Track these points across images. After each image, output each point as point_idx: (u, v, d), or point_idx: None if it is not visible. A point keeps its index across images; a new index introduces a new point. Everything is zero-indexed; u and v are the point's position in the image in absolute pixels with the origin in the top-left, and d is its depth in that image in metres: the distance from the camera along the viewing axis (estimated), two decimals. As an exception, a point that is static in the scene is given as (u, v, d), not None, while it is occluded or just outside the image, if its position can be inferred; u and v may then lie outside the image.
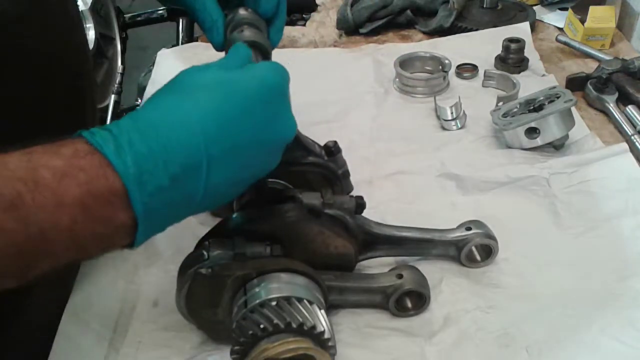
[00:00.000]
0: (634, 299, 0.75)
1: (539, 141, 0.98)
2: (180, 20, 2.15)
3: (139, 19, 2.36)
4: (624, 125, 1.04)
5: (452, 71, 1.21)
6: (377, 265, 0.80)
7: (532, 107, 0.99)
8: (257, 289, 0.65)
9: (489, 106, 1.07)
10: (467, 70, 1.23)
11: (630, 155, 0.94)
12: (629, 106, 1.06)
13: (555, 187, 0.91)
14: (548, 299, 0.76)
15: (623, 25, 1.34)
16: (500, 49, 1.22)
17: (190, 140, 0.52)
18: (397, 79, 1.20)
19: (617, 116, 1.06)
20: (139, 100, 1.75)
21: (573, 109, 0.97)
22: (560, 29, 1.37)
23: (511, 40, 1.21)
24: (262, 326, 0.61)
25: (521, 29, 1.30)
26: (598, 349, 0.70)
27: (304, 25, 1.46)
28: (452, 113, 1.09)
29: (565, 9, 1.39)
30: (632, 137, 1.01)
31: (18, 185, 0.45)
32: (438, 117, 1.10)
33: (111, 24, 2.21)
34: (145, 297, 0.80)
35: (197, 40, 1.55)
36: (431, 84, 1.17)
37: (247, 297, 0.65)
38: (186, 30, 2.15)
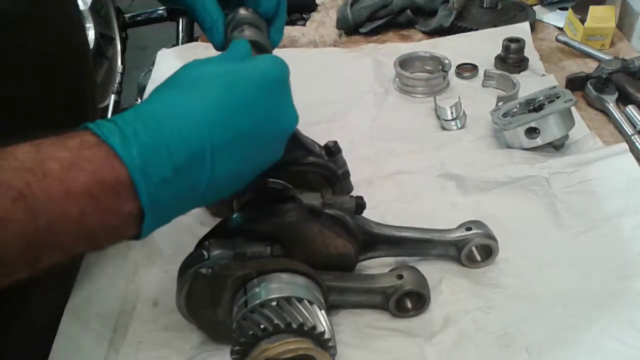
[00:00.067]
0: (634, 299, 0.75)
1: (539, 141, 0.98)
2: (180, 20, 2.15)
3: (139, 18, 2.36)
4: (624, 125, 1.04)
5: (452, 71, 1.21)
6: (377, 266, 0.80)
7: (532, 107, 0.99)
8: (257, 289, 0.65)
9: (489, 106, 1.07)
10: (467, 70, 1.23)
11: (630, 155, 0.94)
12: (629, 106, 1.06)
13: (555, 187, 0.91)
14: (548, 299, 0.76)
15: (623, 25, 1.34)
16: (500, 48, 1.22)
17: (193, 132, 0.53)
18: (397, 79, 1.20)
19: (617, 116, 1.07)
20: (139, 100, 1.75)
21: (573, 109, 0.97)
22: (560, 29, 1.37)
23: (511, 40, 1.21)
24: (262, 326, 0.61)
25: (521, 29, 1.30)
26: (598, 349, 0.70)
27: (304, 25, 1.46)
28: (452, 113, 1.09)
29: (565, 8, 1.39)
30: (632, 137, 1.01)
31: (27, 176, 0.46)
32: (438, 117, 1.10)
33: (111, 23, 2.21)
34: (145, 297, 0.80)
35: (197, 40, 1.55)
36: (431, 84, 1.17)
37: (247, 297, 0.65)
38: (186, 30, 2.14)
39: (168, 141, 0.51)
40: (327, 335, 0.63)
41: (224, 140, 0.54)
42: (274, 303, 0.63)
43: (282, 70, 0.60)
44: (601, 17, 1.27)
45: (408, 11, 1.40)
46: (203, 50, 1.30)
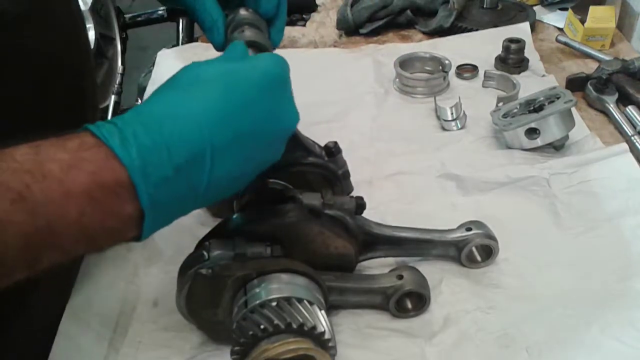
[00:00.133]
0: (634, 299, 0.75)
1: (539, 142, 0.98)
2: (180, 21, 2.15)
3: (139, 19, 2.36)
4: (624, 126, 1.04)
5: (452, 71, 1.21)
6: (378, 266, 0.80)
7: (532, 108, 0.99)
8: (257, 290, 0.65)
9: (489, 107, 1.07)
10: (467, 70, 1.23)
11: (631, 155, 0.94)
12: (629, 107, 1.06)
13: (555, 188, 0.91)
14: (548, 299, 0.76)
15: (623, 25, 1.34)
16: (500, 49, 1.22)
17: (193, 132, 0.53)
18: (397, 79, 1.20)
19: (617, 116, 1.07)
20: (139, 101, 1.75)
21: (573, 109, 0.97)
22: (560, 29, 1.37)
23: (511, 40, 1.21)
24: (262, 327, 0.61)
25: (521, 29, 1.30)
26: (598, 349, 0.70)
27: (304, 25, 1.46)
28: (452, 113, 1.09)
29: (565, 9, 1.39)
30: (632, 138, 1.01)
31: (26, 177, 0.46)
32: (438, 118, 1.10)
33: (111, 24, 2.21)
34: (145, 297, 0.80)
35: (197, 41, 1.55)
36: (431, 84, 1.17)
37: (247, 297, 0.65)
38: (186, 31, 2.14)
39: (168, 142, 0.51)
40: (327, 336, 0.63)
41: (224, 140, 0.54)
42: (274, 303, 0.63)
43: (282, 69, 0.60)
44: (601, 17, 1.27)
45: (408, 12, 1.40)
46: (203, 50, 1.30)
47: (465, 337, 0.72)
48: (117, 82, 2.02)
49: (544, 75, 1.20)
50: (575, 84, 1.15)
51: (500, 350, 0.71)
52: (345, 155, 0.78)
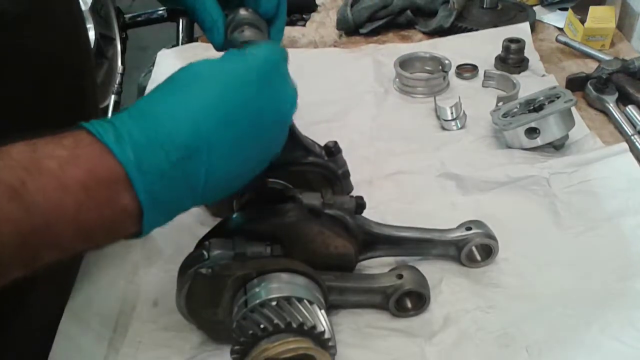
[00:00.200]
0: (634, 299, 0.75)
1: (539, 141, 0.98)
2: (180, 21, 2.15)
3: (139, 19, 2.36)
4: (624, 125, 1.04)
5: (452, 71, 1.21)
6: (377, 266, 0.80)
7: (532, 107, 0.99)
8: (257, 289, 0.65)
9: (489, 106, 1.07)
10: (467, 70, 1.23)
11: (631, 155, 0.94)
12: (629, 106, 1.06)
13: (555, 187, 0.91)
14: (548, 299, 0.76)
15: (623, 25, 1.34)
16: (500, 49, 1.22)
17: (187, 126, 0.53)
18: (397, 79, 1.21)
19: (617, 116, 1.07)
20: (139, 101, 1.74)
21: (573, 109, 0.97)
22: (560, 29, 1.37)
23: (511, 40, 1.21)
24: (262, 326, 0.61)
25: (521, 29, 1.30)
26: (598, 349, 0.70)
27: (304, 25, 1.46)
28: (452, 113, 1.09)
29: (565, 9, 1.39)
30: (632, 137, 1.01)
31: (22, 174, 0.46)
32: (438, 117, 1.10)
33: (111, 24, 2.21)
34: (145, 297, 0.80)
35: (197, 41, 1.55)
36: (431, 84, 1.17)
37: (247, 297, 0.65)
38: (186, 31, 2.14)
39: (162, 137, 0.52)
40: (327, 335, 0.63)
41: (216, 131, 0.54)
42: (274, 303, 0.63)
43: (273, 54, 0.60)
44: (601, 17, 1.27)
45: (408, 12, 1.40)
46: (203, 50, 1.30)
47: (465, 336, 0.73)
48: (117, 82, 2.02)
49: (544, 75, 1.20)
50: (575, 83, 1.15)
51: (500, 350, 0.71)
52: (345, 154, 0.78)
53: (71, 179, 0.48)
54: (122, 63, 2.18)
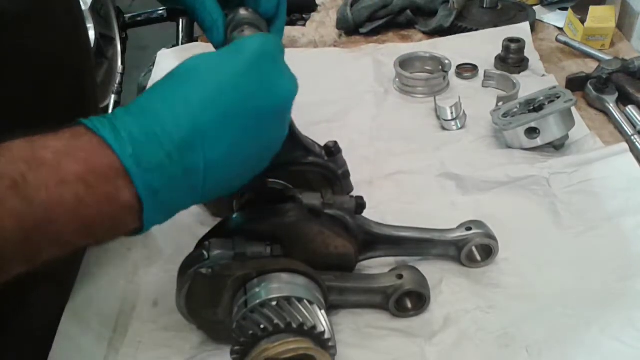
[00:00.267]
0: (634, 299, 0.75)
1: (539, 141, 0.98)
2: (180, 20, 2.15)
3: (139, 19, 2.36)
4: (624, 125, 1.04)
5: (452, 71, 1.21)
6: (377, 266, 0.80)
7: (532, 107, 0.99)
8: (257, 289, 0.65)
9: (489, 106, 1.07)
10: (467, 70, 1.23)
11: (631, 155, 0.94)
12: (629, 106, 1.06)
13: (555, 187, 0.91)
14: (548, 299, 0.76)
15: (623, 25, 1.34)
16: (500, 49, 1.22)
17: (181, 116, 0.53)
18: (397, 79, 1.20)
19: (617, 116, 1.07)
20: (139, 101, 1.75)
21: (573, 109, 0.97)
22: (560, 29, 1.37)
23: (511, 40, 1.21)
24: (262, 326, 0.61)
25: (521, 29, 1.30)
26: (598, 349, 0.70)
27: (304, 25, 1.46)
28: (452, 113, 1.09)
29: (565, 9, 1.39)
30: (632, 137, 1.01)
31: (21, 166, 0.46)
32: (438, 117, 1.10)
33: (111, 24, 2.21)
34: (145, 297, 0.80)
35: (197, 40, 1.55)
36: (431, 84, 1.18)
37: (247, 297, 0.65)
38: (186, 30, 2.15)
39: (157, 129, 0.52)
40: (327, 335, 0.63)
41: (214, 122, 0.54)
42: (274, 303, 0.63)
43: (270, 45, 0.60)
44: (601, 17, 1.27)
45: (408, 11, 1.40)
46: (203, 50, 1.28)
47: (465, 336, 0.72)
48: (117, 81, 2.02)
49: (543, 75, 1.20)
50: (575, 83, 1.15)
51: (500, 350, 0.71)
52: (345, 154, 0.78)
53: (68, 171, 0.48)
54: (122, 63, 2.19)
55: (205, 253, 0.67)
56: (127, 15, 2.33)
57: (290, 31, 1.40)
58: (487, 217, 0.83)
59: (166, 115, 0.53)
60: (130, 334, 0.75)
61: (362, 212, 0.75)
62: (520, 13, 1.39)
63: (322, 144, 0.77)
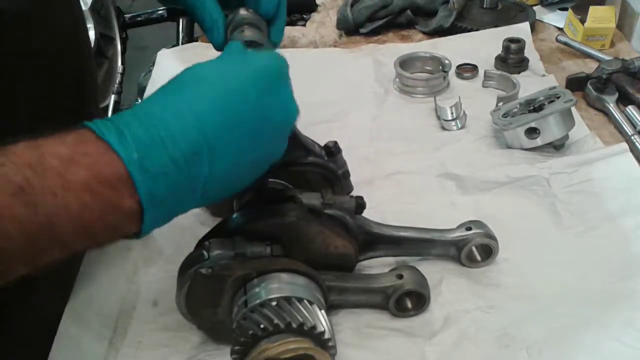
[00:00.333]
0: (634, 299, 0.75)
1: (539, 141, 0.98)
2: (180, 20, 2.15)
3: (139, 19, 2.36)
4: (624, 126, 1.04)
5: (452, 71, 1.21)
6: (377, 266, 0.80)
7: (532, 107, 0.99)
8: (257, 289, 0.65)
9: (489, 106, 1.07)
10: (467, 70, 1.23)
11: (631, 155, 0.94)
12: (629, 106, 1.07)
13: (555, 187, 0.91)
14: (548, 299, 0.76)
15: (623, 25, 1.34)
16: (500, 49, 1.22)
17: (190, 126, 0.53)
18: (397, 79, 1.20)
19: (617, 116, 1.07)
20: (139, 100, 1.75)
21: (573, 109, 0.97)
22: (560, 29, 1.37)
23: (511, 40, 1.21)
24: (262, 326, 0.61)
25: (521, 29, 1.30)
26: (598, 349, 0.70)
27: (304, 25, 1.46)
28: (452, 113, 1.09)
29: (565, 9, 1.39)
30: (632, 137, 1.01)
31: (26, 171, 0.46)
32: (438, 117, 1.10)
33: (111, 24, 2.21)
34: (145, 297, 0.80)
35: (197, 40, 1.55)
36: (431, 84, 1.17)
37: (247, 297, 0.65)
38: (186, 30, 2.15)
39: (164, 136, 0.52)
40: (327, 335, 0.63)
41: (221, 133, 0.54)
42: (274, 303, 0.63)
43: (279, 64, 0.60)
44: (601, 17, 1.27)
45: (408, 11, 1.40)
46: (203, 50, 1.30)
47: (465, 336, 0.72)
48: (117, 81, 2.03)
49: (544, 75, 1.20)
50: (575, 83, 1.15)
51: (500, 350, 0.71)
52: (345, 154, 0.78)
53: (74, 178, 0.48)
54: (122, 63, 2.19)
55: (205, 253, 0.67)
56: (127, 15, 2.33)
57: (290, 31, 1.40)
58: (487, 217, 0.83)
59: (174, 123, 0.53)
60: (130, 334, 0.75)
61: (362, 212, 0.75)
62: (520, 13, 1.39)
63: (322, 144, 0.77)
